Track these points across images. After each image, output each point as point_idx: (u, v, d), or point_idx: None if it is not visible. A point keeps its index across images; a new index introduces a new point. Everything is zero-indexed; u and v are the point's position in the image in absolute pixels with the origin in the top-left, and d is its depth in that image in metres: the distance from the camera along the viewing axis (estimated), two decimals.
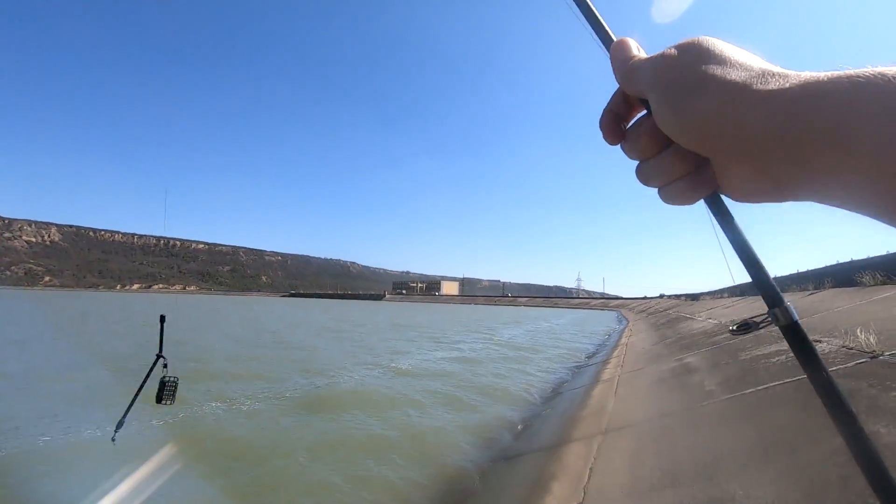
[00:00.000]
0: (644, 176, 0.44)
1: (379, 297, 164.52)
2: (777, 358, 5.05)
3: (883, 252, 11.36)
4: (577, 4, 0.48)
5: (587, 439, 4.51)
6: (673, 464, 3.09)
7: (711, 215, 0.44)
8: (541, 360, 13.81)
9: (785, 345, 3.78)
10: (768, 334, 6.98)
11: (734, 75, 0.35)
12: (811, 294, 11.28)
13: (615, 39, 0.44)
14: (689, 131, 0.37)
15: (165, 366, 2.78)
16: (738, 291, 22.05)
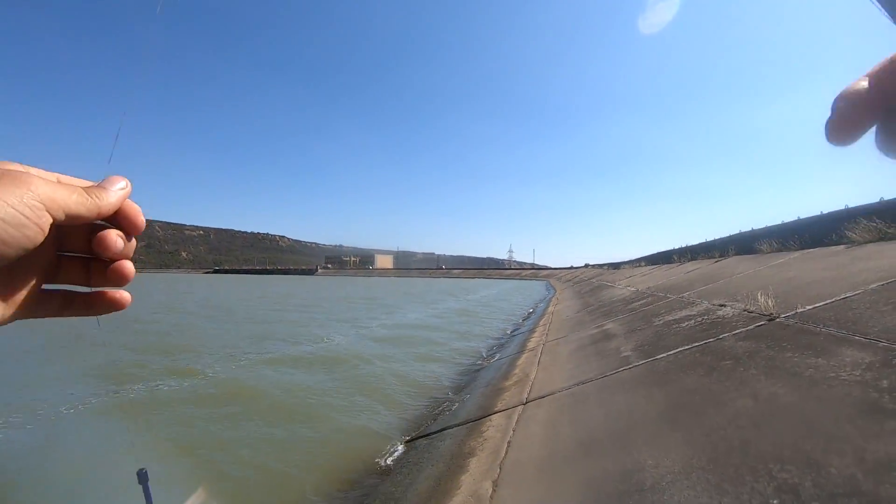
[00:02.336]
0: None
1: (311, 272, 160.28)
2: (686, 323, 5.27)
3: (778, 222, 12.41)
4: None
5: (508, 411, 4.47)
6: (588, 434, 3.06)
7: None
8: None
9: (694, 310, 3.85)
10: (678, 299, 7.35)
11: None
12: (717, 261, 12.13)
13: None
14: None
15: None
16: (653, 260, 23.53)
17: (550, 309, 17.40)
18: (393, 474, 4.02)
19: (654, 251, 26.34)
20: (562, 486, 2.51)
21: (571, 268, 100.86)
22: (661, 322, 5.95)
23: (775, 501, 1.63)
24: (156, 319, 16.36)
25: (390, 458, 4.51)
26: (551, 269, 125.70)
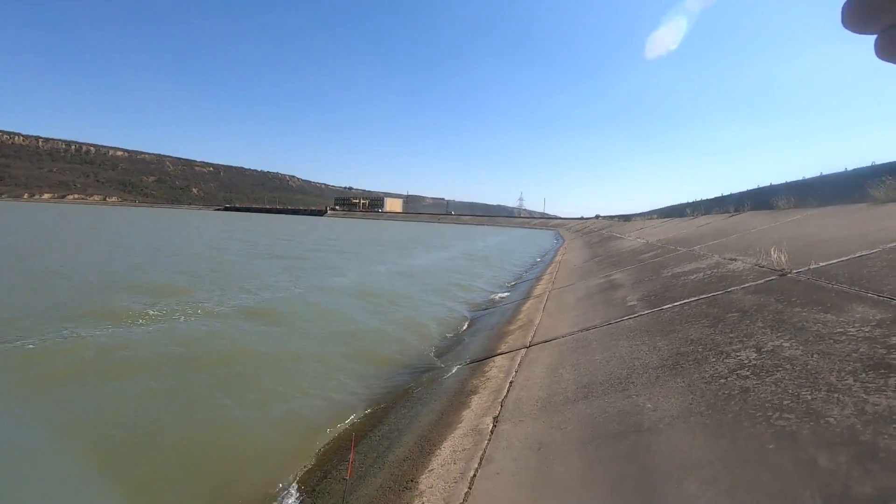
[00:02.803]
0: None
1: (320, 213, 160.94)
2: (695, 276, 5.24)
3: (798, 178, 12.04)
4: None
5: (512, 353, 4.56)
6: (589, 377, 3.12)
7: None
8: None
9: (703, 263, 3.80)
10: (688, 252, 7.30)
11: None
12: (731, 216, 11.92)
13: None
14: None
15: None
16: (665, 214, 23.20)
17: (558, 258, 17.43)
18: (397, 407, 4.18)
19: (667, 204, 25.88)
20: (561, 424, 2.59)
21: (582, 218, 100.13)
22: (670, 274, 5.93)
23: (772, 446, 1.67)
24: (210, 255, 16.67)
25: (396, 394, 4.69)
26: (561, 218, 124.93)
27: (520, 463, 2.32)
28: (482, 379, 3.99)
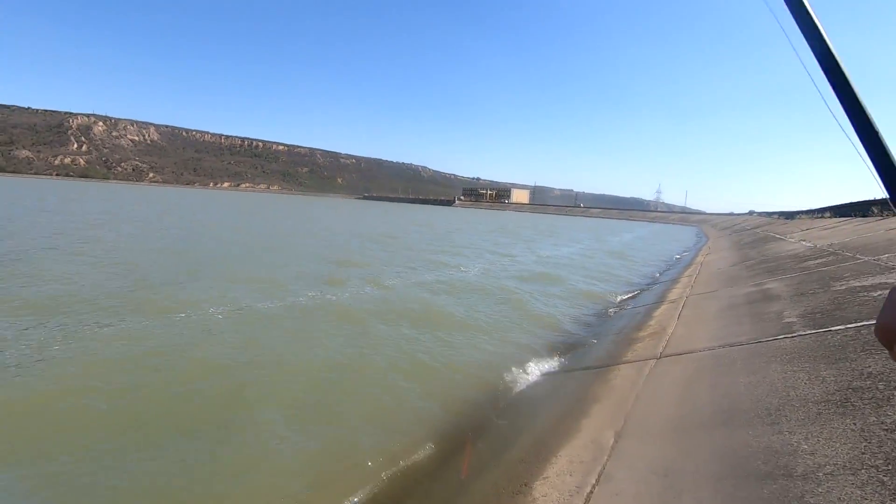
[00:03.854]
0: None
1: (449, 203, 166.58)
2: (880, 292, 4.37)
3: None
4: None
5: (639, 363, 4.28)
6: (730, 402, 2.80)
7: None
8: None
9: (893, 276, 3.16)
10: (872, 262, 6.09)
11: None
12: None
13: None
14: None
15: None
16: (841, 212, 19.59)
17: (699, 259, 15.79)
18: (517, 403, 4.19)
19: (844, 201, 21.67)
20: (693, 450, 2.37)
21: (731, 214, 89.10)
22: (844, 287, 5.02)
23: None
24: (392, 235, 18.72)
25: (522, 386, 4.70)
26: (705, 214, 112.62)
27: (642, 487, 2.18)
28: (605, 387, 3.81)
